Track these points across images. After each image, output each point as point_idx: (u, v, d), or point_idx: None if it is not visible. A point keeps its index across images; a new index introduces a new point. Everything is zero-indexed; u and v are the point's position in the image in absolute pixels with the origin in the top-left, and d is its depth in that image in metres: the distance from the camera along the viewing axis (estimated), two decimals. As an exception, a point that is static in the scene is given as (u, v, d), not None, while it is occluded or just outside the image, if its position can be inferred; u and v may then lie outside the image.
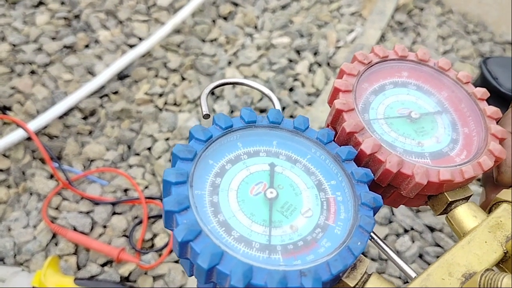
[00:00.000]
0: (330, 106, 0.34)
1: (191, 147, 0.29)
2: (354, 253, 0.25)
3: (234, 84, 0.39)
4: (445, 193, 0.31)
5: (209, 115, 0.33)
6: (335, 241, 0.26)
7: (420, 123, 0.34)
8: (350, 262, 0.25)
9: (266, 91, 0.38)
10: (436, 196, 0.32)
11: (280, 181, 0.30)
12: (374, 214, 0.28)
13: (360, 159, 0.31)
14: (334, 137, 0.32)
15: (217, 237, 0.25)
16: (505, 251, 0.29)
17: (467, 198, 0.32)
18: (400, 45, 0.38)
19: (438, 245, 0.74)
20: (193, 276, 0.28)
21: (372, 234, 0.30)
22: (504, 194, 0.32)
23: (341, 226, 0.27)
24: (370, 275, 0.27)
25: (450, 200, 0.32)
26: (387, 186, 0.31)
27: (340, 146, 0.31)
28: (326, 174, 0.30)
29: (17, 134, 0.81)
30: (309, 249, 0.26)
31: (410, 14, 1.14)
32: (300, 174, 0.30)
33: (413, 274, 0.28)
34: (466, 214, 0.31)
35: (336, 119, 0.33)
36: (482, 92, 0.36)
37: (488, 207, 0.34)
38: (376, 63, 0.36)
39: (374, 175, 0.31)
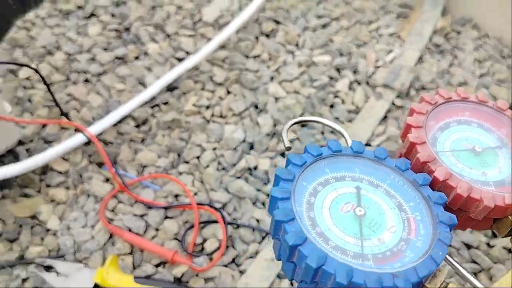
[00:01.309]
0: (403, 141, 0.40)
1: (290, 171, 0.34)
2: (436, 261, 0.30)
3: (310, 122, 0.45)
4: (509, 216, 0.36)
5: (291, 148, 0.39)
6: (417, 252, 0.31)
7: (483, 156, 0.39)
8: (433, 269, 0.30)
9: (338, 127, 0.44)
10: (501, 219, 0.36)
11: (365, 201, 0.34)
12: (450, 231, 0.32)
13: (433, 186, 0.36)
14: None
15: (318, 244, 0.30)
16: None
17: None
18: (462, 88, 0.43)
19: (475, 262, 0.78)
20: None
21: None
22: None
23: (422, 240, 0.32)
24: (448, 283, 0.31)
25: (514, 222, 0.36)
26: (456, 210, 0.36)
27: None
28: (405, 197, 0.35)
29: (77, 139, 0.87)
30: (395, 258, 0.31)
31: (447, 37, 1.18)
32: (382, 197, 0.35)
33: (479, 285, 0.33)
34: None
35: (409, 151, 0.38)
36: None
37: None
38: (441, 104, 0.41)
39: (445, 199, 0.35)
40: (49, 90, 0.78)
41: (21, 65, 0.73)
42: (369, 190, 0.35)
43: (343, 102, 1.02)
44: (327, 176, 0.36)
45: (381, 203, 0.34)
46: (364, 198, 0.34)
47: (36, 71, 0.73)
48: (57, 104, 0.82)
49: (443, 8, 1.21)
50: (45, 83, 0.77)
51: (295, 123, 0.43)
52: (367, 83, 1.06)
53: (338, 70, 1.09)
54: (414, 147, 0.37)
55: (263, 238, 0.80)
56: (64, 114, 0.86)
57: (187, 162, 0.91)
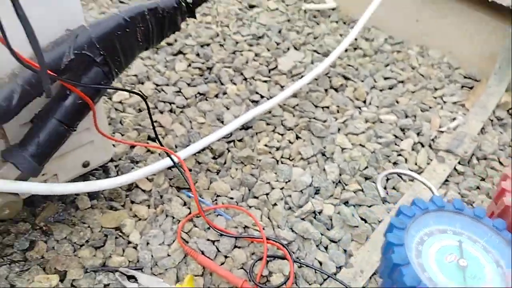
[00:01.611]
0: (495, 203, 0.46)
1: (402, 220, 0.40)
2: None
3: (402, 174, 0.52)
4: None
5: (386, 199, 0.46)
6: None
7: None
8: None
9: (429, 184, 0.50)
10: None
11: (466, 254, 0.40)
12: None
13: (525, 248, 0.41)
14: (504, 228, 0.43)
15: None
16: None
17: None
18: None
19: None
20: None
21: None
22: None
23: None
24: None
25: None
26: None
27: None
28: (501, 254, 0.41)
29: (164, 163, 0.96)
30: (496, 308, 0.36)
31: (509, 112, 1.23)
32: (480, 251, 0.41)
33: None
34: None
35: (504, 212, 0.44)
36: None
37: None
38: None
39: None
40: (150, 117, 0.88)
41: (134, 93, 0.83)
42: (469, 244, 0.41)
43: (406, 161, 1.07)
44: (432, 228, 0.42)
45: (480, 258, 0.40)
46: (465, 251, 0.40)
47: (145, 100, 0.83)
48: (154, 130, 0.91)
49: (508, 84, 1.27)
50: (148, 111, 0.87)
51: (388, 174, 0.50)
52: (430, 146, 1.12)
53: (402, 130, 1.16)
54: (509, 209, 0.43)
55: (324, 280, 0.85)
56: (156, 139, 0.96)
57: (256, 197, 0.98)
